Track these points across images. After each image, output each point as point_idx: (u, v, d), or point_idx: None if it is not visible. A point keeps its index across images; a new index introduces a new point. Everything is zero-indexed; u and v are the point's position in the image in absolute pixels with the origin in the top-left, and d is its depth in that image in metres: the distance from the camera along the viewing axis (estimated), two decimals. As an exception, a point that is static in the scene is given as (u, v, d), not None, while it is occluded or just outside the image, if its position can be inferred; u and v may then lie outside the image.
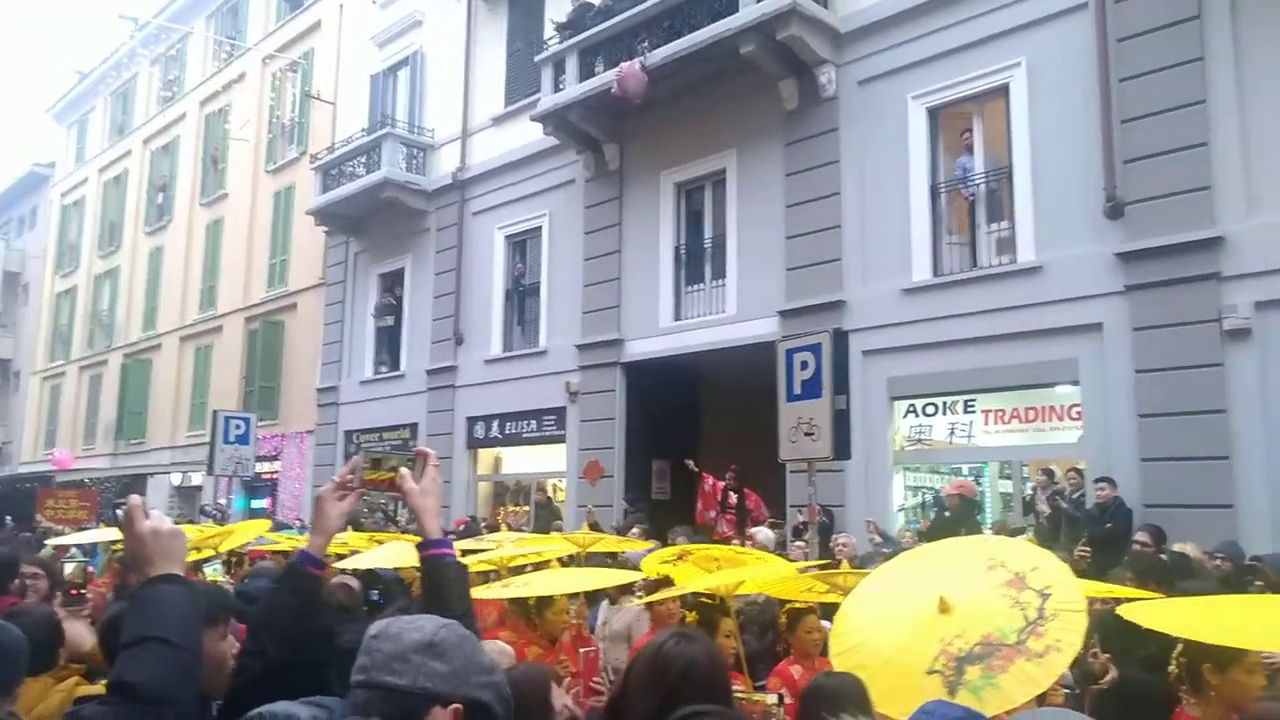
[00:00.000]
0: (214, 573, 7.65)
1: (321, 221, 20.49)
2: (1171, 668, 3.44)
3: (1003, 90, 10.82)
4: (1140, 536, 7.90)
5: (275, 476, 22.02)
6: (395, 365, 19.30)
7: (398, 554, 7.62)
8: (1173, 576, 5.90)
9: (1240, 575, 6.83)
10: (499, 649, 3.84)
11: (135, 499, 1.96)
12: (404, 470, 2.37)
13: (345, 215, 19.88)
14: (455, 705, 1.62)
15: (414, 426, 18.33)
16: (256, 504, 22.52)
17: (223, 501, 17.76)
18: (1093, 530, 8.53)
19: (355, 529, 13.36)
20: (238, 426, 14.93)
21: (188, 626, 1.81)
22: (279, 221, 23.50)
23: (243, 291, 24.41)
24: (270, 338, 23.16)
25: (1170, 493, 8.91)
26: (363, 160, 19.09)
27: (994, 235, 11.05)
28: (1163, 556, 7.14)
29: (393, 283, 19.74)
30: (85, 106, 35.10)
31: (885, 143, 11.72)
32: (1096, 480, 9.16)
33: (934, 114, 11.50)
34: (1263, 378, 8.74)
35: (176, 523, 2.08)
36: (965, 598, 2.74)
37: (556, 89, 14.68)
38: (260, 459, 19.51)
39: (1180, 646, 3.40)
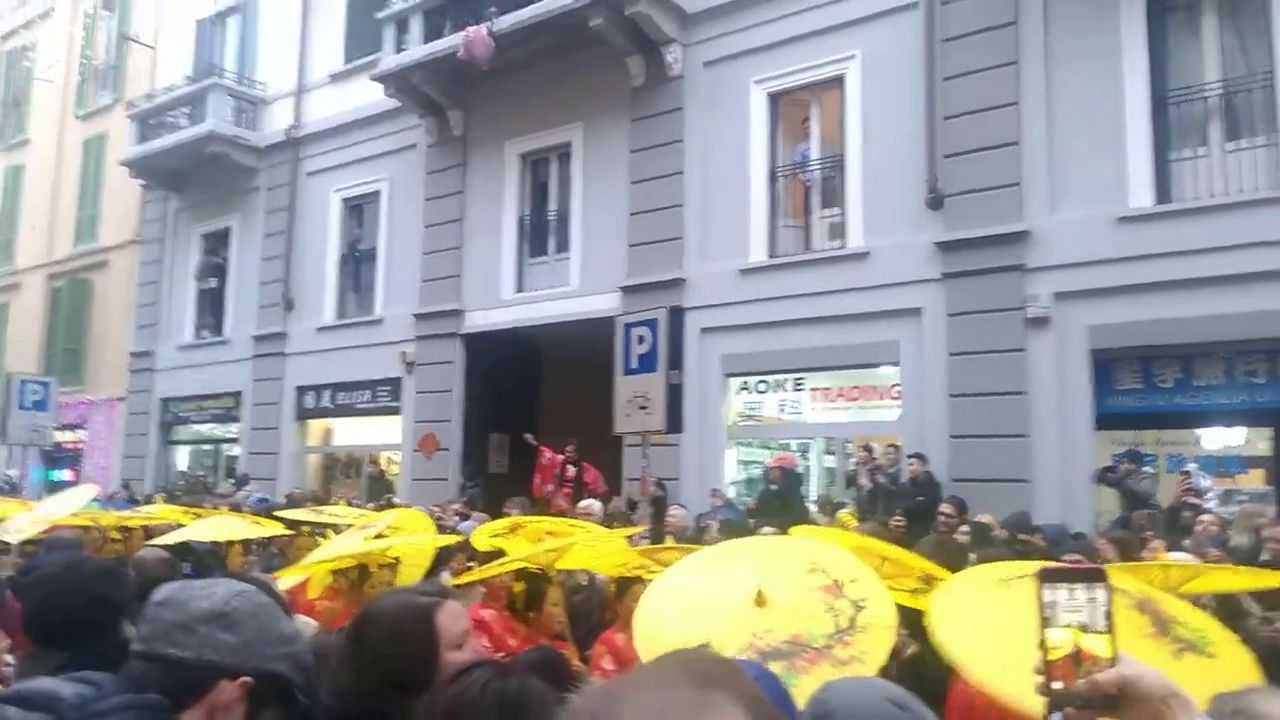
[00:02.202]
0: None
1: (138, 174, 19.17)
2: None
3: (839, 81, 11.25)
4: (945, 509, 8.46)
5: (80, 446, 20.59)
6: (218, 330, 18.34)
7: (218, 528, 7.29)
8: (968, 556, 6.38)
9: (1023, 545, 7.43)
10: (300, 620, 3.73)
11: None
12: None
13: (165, 168, 18.67)
14: (244, 678, 1.55)
15: (238, 395, 17.51)
16: (58, 475, 20.98)
17: (13, 473, 16.45)
18: (905, 503, 9.08)
19: (170, 501, 12.72)
20: (35, 391, 13.87)
21: None
22: (89, 172, 21.82)
23: (46, 246, 22.59)
24: (77, 297, 21.56)
25: (976, 467, 9.58)
26: (186, 111, 17.98)
27: (827, 220, 11.51)
28: (965, 529, 7.69)
29: (217, 243, 18.70)
30: None
31: (728, 125, 11.98)
32: (909, 456, 9.74)
33: (775, 99, 11.84)
34: (1059, 363, 9.50)
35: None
36: (782, 594, 2.76)
37: (399, 49, 14.24)
38: (63, 427, 18.24)
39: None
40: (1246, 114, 9.19)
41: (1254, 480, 9.26)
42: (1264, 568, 5.97)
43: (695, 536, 7.99)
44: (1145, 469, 8.85)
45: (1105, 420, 9.48)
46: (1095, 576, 1.34)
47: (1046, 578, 1.35)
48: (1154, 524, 7.85)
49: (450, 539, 6.34)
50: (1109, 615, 1.31)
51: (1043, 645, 1.33)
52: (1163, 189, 9.32)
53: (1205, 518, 7.29)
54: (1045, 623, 1.33)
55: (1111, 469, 9.01)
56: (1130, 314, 9.15)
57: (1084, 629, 1.31)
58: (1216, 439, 9.56)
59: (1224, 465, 9.44)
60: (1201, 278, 8.77)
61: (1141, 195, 9.30)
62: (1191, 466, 9.06)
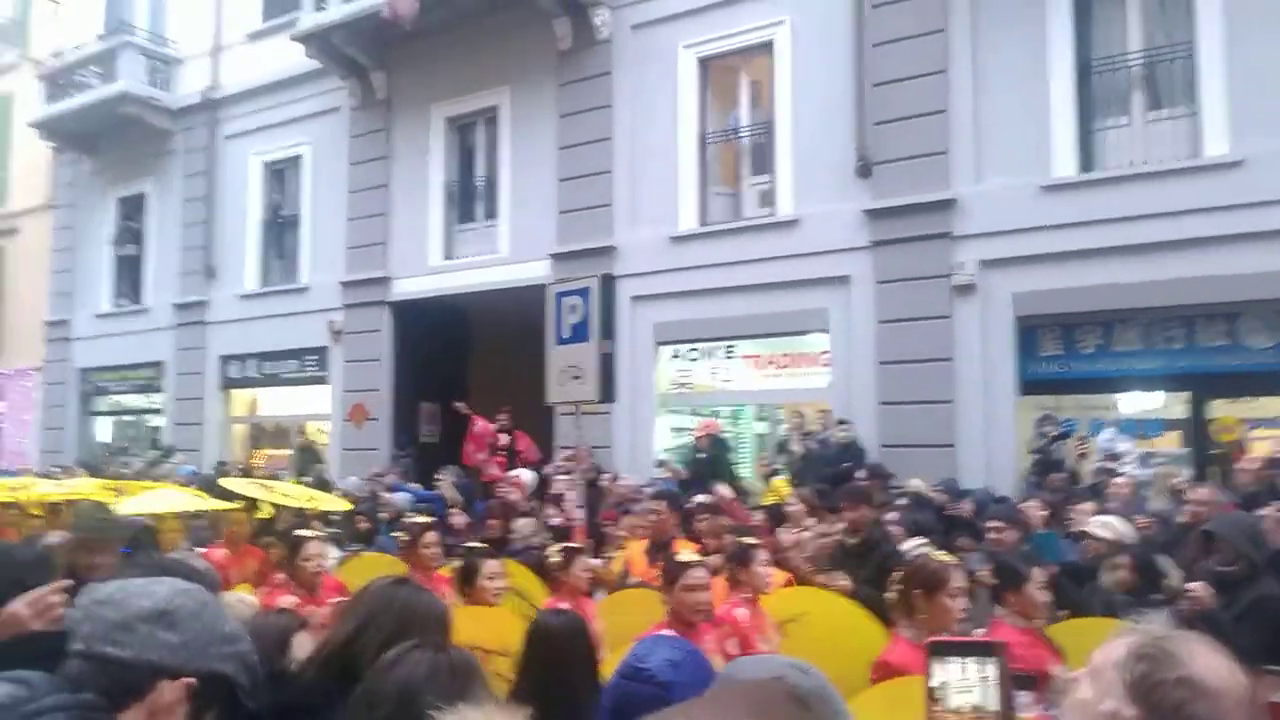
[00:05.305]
0: None
1: (48, 136, 18.37)
2: (889, 595, 3.76)
3: (768, 46, 11.17)
4: (861, 474, 8.59)
5: (-5, 419, 19.87)
6: (137, 298, 17.76)
7: (168, 500, 7.13)
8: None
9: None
10: (238, 598, 3.65)
11: None
12: None
13: (76, 130, 17.91)
14: (186, 680, 1.53)
15: (160, 365, 17.02)
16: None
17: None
18: (831, 468, 9.21)
19: (91, 474, 12.32)
20: (-55, 364, 13.29)
21: None
22: (-4, 133, 20.84)
23: (-48, 212, 21.57)
24: (-14, 265, 20.66)
25: (903, 433, 9.72)
26: (97, 70, 17.20)
27: (757, 188, 11.49)
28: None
29: (134, 208, 18.05)
30: None
31: (657, 90, 11.84)
32: (836, 422, 9.85)
33: (704, 64, 11.72)
34: (983, 330, 9.65)
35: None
36: None
37: (319, 8, 13.74)
38: (-24, 400, 17.57)
39: (899, 575, 3.73)
40: (1167, 84, 9.34)
41: (1170, 443, 9.55)
42: (1182, 528, 6.20)
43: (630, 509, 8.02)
44: (1065, 435, 9.08)
45: (1028, 386, 9.68)
46: (987, 650, 1.29)
47: (936, 651, 1.29)
48: (1066, 487, 8.08)
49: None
50: (1003, 692, 1.25)
51: None
52: (1086, 158, 9.46)
53: (1118, 480, 7.50)
54: (937, 703, 1.27)
55: (1063, 436, 9.09)
56: (1053, 281, 9.31)
57: (976, 711, 1.26)
58: (1135, 403, 9.83)
59: (1143, 429, 9.71)
60: (1122, 246, 8.95)
61: (1065, 164, 9.43)
62: (1109, 431, 9.31)
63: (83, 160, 18.61)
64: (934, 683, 1.28)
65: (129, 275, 18.06)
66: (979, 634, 4.23)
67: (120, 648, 1.50)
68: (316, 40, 13.84)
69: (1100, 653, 1.22)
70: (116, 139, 17.59)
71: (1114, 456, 8.51)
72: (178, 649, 1.54)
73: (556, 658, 2.84)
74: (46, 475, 12.53)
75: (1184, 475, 8.39)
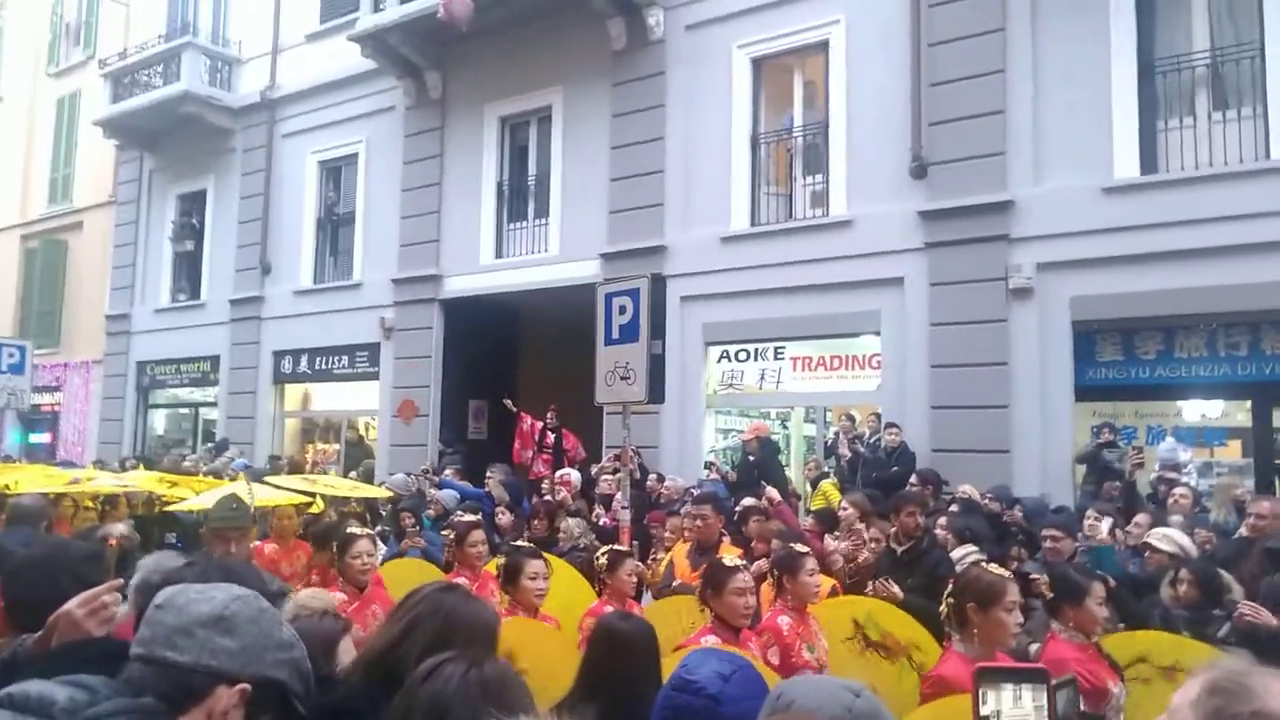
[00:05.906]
0: None
1: (111, 134, 18.83)
2: (942, 608, 3.68)
3: (823, 46, 11.06)
4: (914, 480, 8.45)
5: (57, 409, 20.39)
6: (195, 293, 18.11)
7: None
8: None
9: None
10: (320, 597, 3.63)
11: None
12: None
13: (139, 128, 18.33)
14: (242, 685, 1.54)
15: (215, 359, 17.35)
16: (36, 438, 20.79)
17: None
18: (879, 472, 9.09)
19: (148, 467, 12.60)
20: (11, 354, 13.69)
21: None
22: (63, 131, 21.42)
23: (19, 206, 22.19)
24: (51, 258, 21.23)
25: (956, 438, 9.56)
26: (160, 70, 17.59)
27: (809, 188, 11.38)
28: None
29: (193, 205, 18.41)
30: None
31: (710, 90, 11.79)
32: (886, 426, 9.72)
33: (758, 64, 11.65)
34: (1041, 334, 9.45)
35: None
36: None
37: (376, 9, 13.91)
38: (39, 390, 18.07)
39: (950, 587, 3.65)
40: (1234, 84, 9.09)
41: (1232, 453, 9.28)
42: (1243, 542, 6.02)
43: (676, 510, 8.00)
44: (1120, 443, 8.85)
45: (1085, 392, 9.46)
46: (1037, 677, 1.25)
47: (986, 678, 1.25)
48: (1121, 496, 7.88)
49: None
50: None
51: None
52: (1148, 159, 9.23)
53: (1178, 491, 7.29)
54: None
55: (1110, 444, 8.88)
56: (1113, 286, 9.09)
57: None
58: (1196, 411, 9.57)
59: (1204, 437, 9.45)
60: (1185, 249, 8.71)
61: (1127, 165, 9.21)
62: (1169, 440, 9.06)
63: (145, 158, 19.04)
64: (984, 711, 1.23)
65: (187, 271, 18.44)
66: (1035, 649, 4.14)
67: (179, 652, 1.52)
68: (373, 41, 14.00)
69: (1179, 693, 1.18)
70: (178, 137, 17.98)
71: (1174, 466, 8.27)
72: (235, 654, 1.55)
73: (622, 660, 2.82)
74: (107, 467, 12.86)
75: (1246, 486, 8.16)
